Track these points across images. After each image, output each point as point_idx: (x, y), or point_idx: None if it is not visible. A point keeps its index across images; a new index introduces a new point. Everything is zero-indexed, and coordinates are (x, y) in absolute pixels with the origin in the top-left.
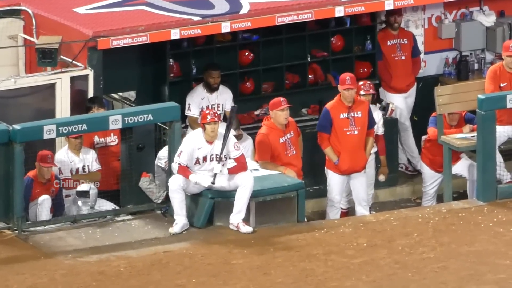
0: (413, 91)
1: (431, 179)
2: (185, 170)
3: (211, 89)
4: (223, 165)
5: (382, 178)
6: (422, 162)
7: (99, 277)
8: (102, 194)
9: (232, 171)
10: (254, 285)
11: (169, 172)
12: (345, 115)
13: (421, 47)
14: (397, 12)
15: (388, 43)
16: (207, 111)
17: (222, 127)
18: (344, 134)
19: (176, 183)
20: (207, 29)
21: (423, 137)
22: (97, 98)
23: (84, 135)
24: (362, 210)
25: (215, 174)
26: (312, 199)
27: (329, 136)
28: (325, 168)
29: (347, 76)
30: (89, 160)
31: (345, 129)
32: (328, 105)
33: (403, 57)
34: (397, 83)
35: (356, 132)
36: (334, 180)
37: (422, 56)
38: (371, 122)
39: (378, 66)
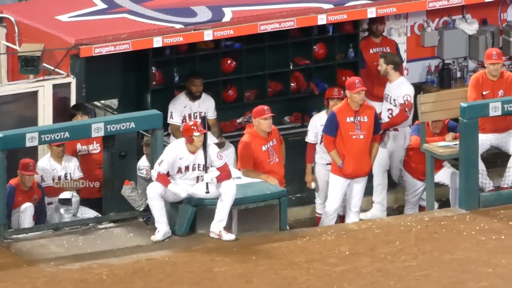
0: None
1: (413, 187)
2: (164, 179)
3: (194, 97)
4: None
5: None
6: (404, 170)
7: (81, 285)
8: (84, 202)
9: (218, 180)
10: None
11: (150, 180)
12: (352, 119)
13: (403, 55)
14: (379, 20)
15: (371, 51)
16: (191, 123)
17: (211, 137)
18: (349, 138)
19: (154, 191)
20: (190, 37)
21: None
22: (81, 105)
23: (67, 142)
24: (351, 215)
25: (207, 183)
26: (294, 207)
27: (335, 139)
28: (330, 172)
29: (355, 79)
30: (71, 168)
31: (351, 133)
32: (335, 109)
33: None
34: (379, 91)
35: (361, 137)
36: (336, 184)
37: (404, 64)
38: (377, 128)
39: (360, 74)
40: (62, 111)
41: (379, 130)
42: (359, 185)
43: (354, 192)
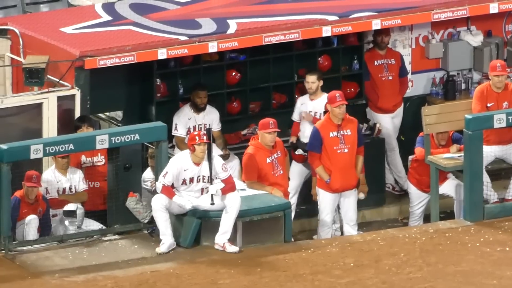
0: (400, 111)
1: (418, 199)
2: (169, 191)
3: (198, 109)
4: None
5: (361, 196)
6: (409, 182)
7: None
8: (88, 214)
9: (222, 192)
10: None
11: (155, 192)
12: (335, 133)
13: (408, 67)
14: (384, 32)
15: (375, 63)
16: (195, 133)
17: (215, 149)
18: (334, 152)
19: (159, 203)
20: (194, 49)
21: (410, 157)
22: (87, 117)
23: (71, 154)
24: (349, 229)
25: (212, 195)
26: (299, 219)
27: (320, 155)
28: (317, 187)
29: (336, 93)
30: (76, 180)
31: (335, 147)
32: (318, 124)
33: (390, 77)
34: (384, 103)
35: (346, 150)
36: (325, 199)
37: (409, 76)
38: (361, 140)
39: (365, 86)
40: (66, 123)
41: (362, 142)
42: (349, 199)
43: (347, 207)
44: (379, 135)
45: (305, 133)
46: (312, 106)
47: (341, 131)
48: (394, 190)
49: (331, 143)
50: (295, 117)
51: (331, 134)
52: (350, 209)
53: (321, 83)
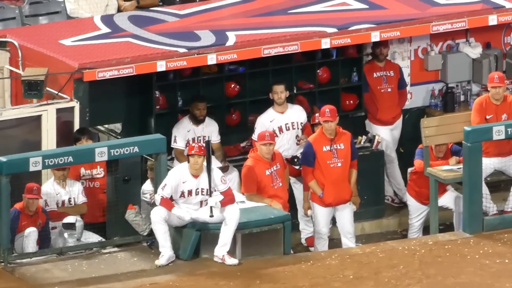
0: (399, 123)
1: (417, 211)
2: (168, 203)
3: (197, 121)
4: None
5: (353, 208)
6: (408, 194)
7: None
8: (87, 226)
9: (222, 204)
10: None
11: (154, 205)
12: (328, 147)
13: (407, 79)
14: (383, 44)
15: (374, 75)
16: (194, 144)
17: (214, 161)
18: (327, 166)
19: (158, 215)
20: (193, 61)
21: (409, 169)
22: (86, 130)
23: (71, 167)
24: (347, 242)
25: (211, 207)
26: (298, 231)
27: (313, 169)
28: (310, 201)
29: (326, 108)
30: (75, 192)
31: (329, 161)
32: (311, 138)
33: (389, 89)
34: (383, 115)
35: (339, 164)
36: (319, 213)
37: (408, 88)
38: (354, 154)
39: (364, 98)
40: (65, 135)
41: (356, 156)
42: (344, 213)
43: (343, 221)
44: (378, 147)
45: (285, 146)
46: (285, 118)
47: (334, 145)
48: (393, 202)
49: (324, 157)
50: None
51: (324, 148)
52: (346, 223)
53: (288, 94)
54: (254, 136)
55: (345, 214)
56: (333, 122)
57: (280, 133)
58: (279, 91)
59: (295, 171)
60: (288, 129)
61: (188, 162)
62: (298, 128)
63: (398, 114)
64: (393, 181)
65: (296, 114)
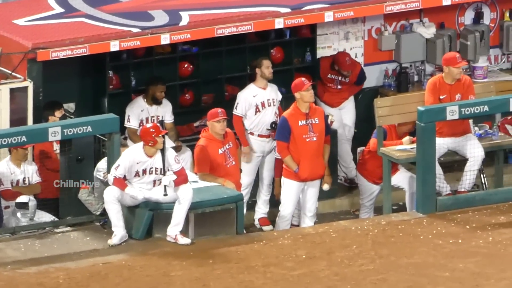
0: (347, 103)
1: (368, 191)
2: (121, 183)
3: (157, 102)
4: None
5: (326, 187)
6: (359, 174)
7: None
8: (42, 202)
9: (175, 184)
10: None
11: (107, 184)
12: (304, 122)
13: (361, 59)
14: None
15: (329, 76)
16: (149, 125)
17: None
18: (303, 141)
19: (111, 195)
20: (147, 41)
21: (359, 149)
22: (56, 102)
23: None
24: (307, 220)
25: (165, 186)
26: (251, 210)
27: (288, 144)
28: (283, 177)
29: (302, 78)
30: (30, 172)
31: (304, 136)
32: (286, 114)
33: (339, 87)
34: (328, 99)
35: (315, 139)
36: (290, 190)
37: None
38: (328, 129)
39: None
40: (19, 115)
41: (329, 131)
42: (313, 189)
43: (308, 197)
44: (332, 126)
45: (266, 121)
46: (267, 94)
47: (310, 120)
48: (346, 182)
49: (300, 132)
50: (241, 111)
51: (299, 123)
52: (311, 199)
53: None
54: (236, 112)
55: (313, 190)
56: (312, 91)
57: (262, 108)
58: (270, 65)
59: (278, 173)
60: (269, 105)
61: (155, 143)
62: (275, 105)
63: (344, 98)
64: (341, 160)
65: (274, 91)
